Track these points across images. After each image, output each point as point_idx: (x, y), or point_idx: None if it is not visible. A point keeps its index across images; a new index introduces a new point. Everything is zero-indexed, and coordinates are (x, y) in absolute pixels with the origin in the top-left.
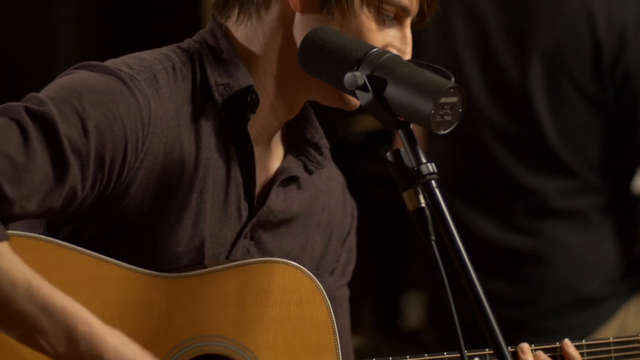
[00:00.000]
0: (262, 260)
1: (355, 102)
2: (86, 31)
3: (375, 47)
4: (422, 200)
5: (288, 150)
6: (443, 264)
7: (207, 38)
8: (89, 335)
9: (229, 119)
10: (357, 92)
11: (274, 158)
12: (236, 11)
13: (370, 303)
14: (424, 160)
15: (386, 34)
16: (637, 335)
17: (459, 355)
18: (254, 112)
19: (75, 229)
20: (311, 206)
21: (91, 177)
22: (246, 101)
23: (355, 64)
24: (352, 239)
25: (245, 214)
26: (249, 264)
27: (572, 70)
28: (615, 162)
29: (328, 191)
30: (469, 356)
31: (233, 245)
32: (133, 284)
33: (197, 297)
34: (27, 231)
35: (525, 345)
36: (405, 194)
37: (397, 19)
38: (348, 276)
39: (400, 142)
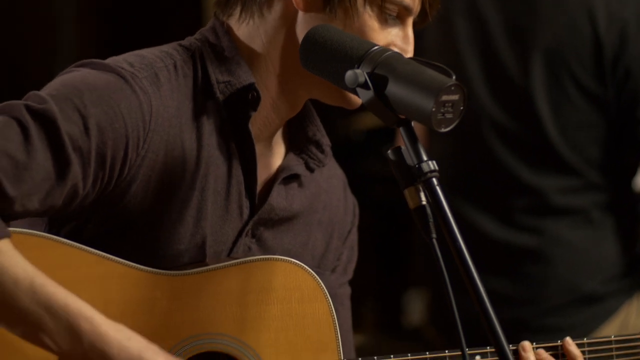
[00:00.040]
0: (263, 258)
1: (357, 100)
2: (87, 31)
3: (376, 45)
4: (423, 198)
5: (289, 148)
6: (444, 261)
7: (208, 36)
8: (92, 332)
9: (230, 117)
10: (358, 89)
11: (276, 156)
12: (238, 9)
13: (371, 301)
14: (425, 158)
15: (389, 33)
16: (638, 334)
17: (460, 353)
18: (255, 109)
19: (77, 226)
20: (312, 204)
21: (92, 174)
22: (247, 99)
23: (356, 62)
24: (354, 236)
25: (246, 211)
26: (250, 261)
27: (573, 68)
28: (617, 160)
29: (329, 189)
30: (470, 354)
31: (234, 243)
32: (134, 281)
33: (199, 294)
34: (28, 229)
35: (526, 344)
36: (406, 192)
37: (400, 18)
38: (349, 274)
39: (402, 139)
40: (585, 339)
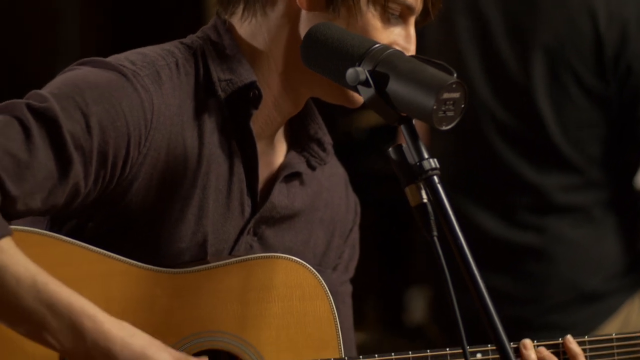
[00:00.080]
0: (264, 256)
1: (358, 99)
2: (88, 30)
3: (377, 43)
4: (425, 196)
5: (291, 146)
6: (445, 259)
7: (210, 34)
8: (95, 329)
9: (231, 115)
10: (359, 87)
11: (277, 154)
12: (241, 7)
13: (373, 299)
14: (426, 156)
15: (391, 32)
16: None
17: (461, 351)
18: (256, 108)
19: (78, 224)
20: (314, 202)
21: (94, 173)
22: (249, 97)
23: (357, 60)
24: (355, 235)
25: (248, 209)
26: (251, 259)
27: (575, 66)
28: (618, 157)
29: (331, 187)
30: (471, 352)
31: (236, 241)
32: (136, 279)
33: (200, 292)
34: (29, 227)
35: (527, 341)
36: (407, 190)
37: (402, 17)
38: (351, 272)
39: (403, 137)
40: (586, 336)
